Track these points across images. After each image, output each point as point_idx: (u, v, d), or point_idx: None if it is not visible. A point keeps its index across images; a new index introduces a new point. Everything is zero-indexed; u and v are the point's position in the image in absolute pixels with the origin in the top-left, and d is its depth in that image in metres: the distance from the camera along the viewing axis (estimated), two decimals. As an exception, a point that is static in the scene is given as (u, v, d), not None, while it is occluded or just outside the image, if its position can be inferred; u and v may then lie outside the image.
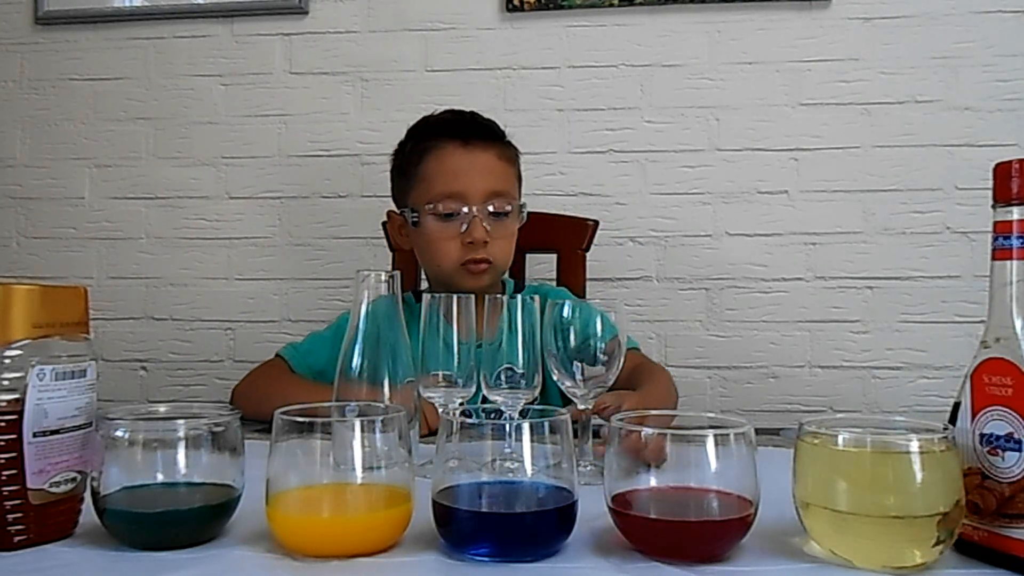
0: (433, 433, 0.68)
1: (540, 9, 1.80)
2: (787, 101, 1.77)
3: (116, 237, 1.92)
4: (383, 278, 0.83)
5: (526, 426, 0.62)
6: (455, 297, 0.88)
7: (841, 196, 1.75)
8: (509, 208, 1.27)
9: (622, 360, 0.87)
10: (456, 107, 1.37)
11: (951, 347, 1.71)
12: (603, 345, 0.86)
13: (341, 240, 1.86)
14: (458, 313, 0.87)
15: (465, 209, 1.23)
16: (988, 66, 1.72)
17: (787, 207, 1.77)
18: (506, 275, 1.40)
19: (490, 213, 1.25)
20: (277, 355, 1.32)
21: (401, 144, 1.37)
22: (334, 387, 0.82)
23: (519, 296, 0.87)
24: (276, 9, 1.87)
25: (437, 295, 0.88)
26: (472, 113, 1.35)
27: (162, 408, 0.71)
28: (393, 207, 1.40)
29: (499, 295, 0.89)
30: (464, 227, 1.23)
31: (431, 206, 1.25)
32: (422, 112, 1.82)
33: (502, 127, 1.35)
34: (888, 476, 0.59)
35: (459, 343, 0.86)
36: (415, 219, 1.28)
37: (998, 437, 0.60)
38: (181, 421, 0.66)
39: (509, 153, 1.32)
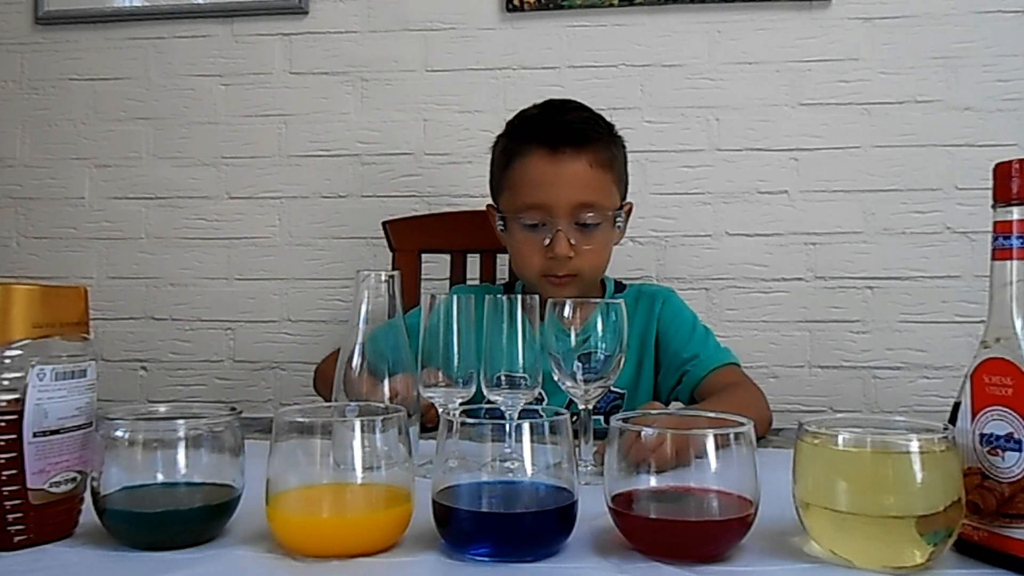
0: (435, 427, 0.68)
1: (540, 9, 1.80)
2: (787, 101, 1.77)
3: (116, 237, 1.92)
4: (383, 278, 0.83)
5: (526, 426, 0.62)
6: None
7: (841, 196, 1.75)
8: (599, 220, 1.20)
9: (622, 361, 0.87)
10: (549, 99, 1.30)
11: (951, 347, 1.71)
12: (604, 345, 0.86)
13: (341, 240, 1.86)
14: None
15: (550, 221, 1.18)
16: (988, 66, 1.72)
17: (787, 207, 1.77)
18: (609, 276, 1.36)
19: (577, 224, 1.19)
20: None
21: (497, 139, 1.31)
22: (334, 386, 0.82)
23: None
24: (276, 9, 1.87)
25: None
26: (567, 110, 1.27)
27: (162, 408, 0.71)
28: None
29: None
30: (547, 240, 1.18)
31: (517, 216, 1.21)
32: (422, 112, 1.84)
33: (607, 119, 1.28)
34: (888, 476, 0.59)
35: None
36: (501, 226, 1.25)
37: (998, 437, 0.60)
38: (181, 421, 0.66)
39: (605, 156, 1.23)
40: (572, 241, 1.18)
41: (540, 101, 1.31)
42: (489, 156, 1.33)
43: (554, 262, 1.19)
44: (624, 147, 1.30)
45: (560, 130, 1.21)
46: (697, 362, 1.23)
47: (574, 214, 1.19)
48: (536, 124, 1.25)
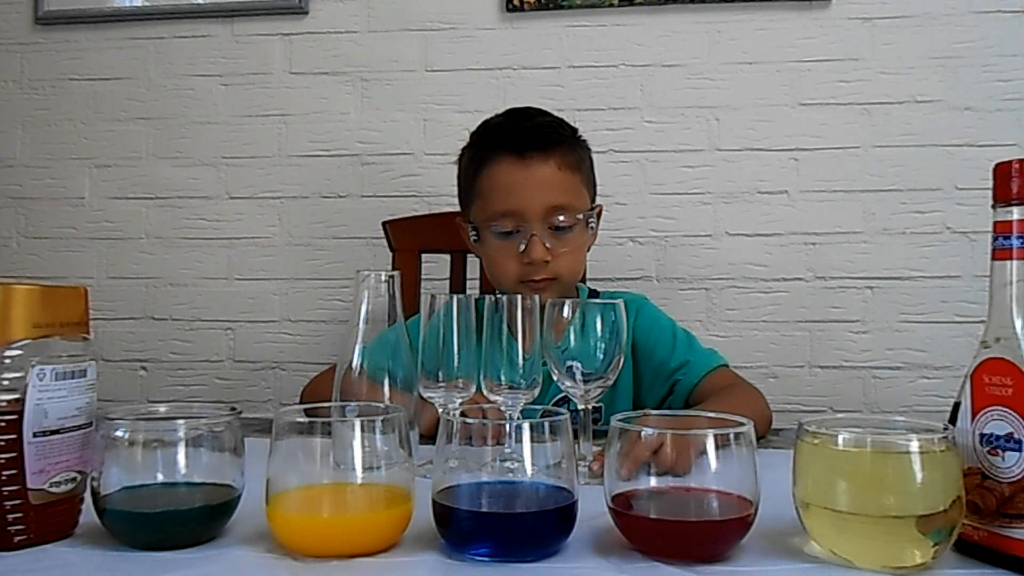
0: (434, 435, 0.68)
1: (540, 9, 1.80)
2: (787, 101, 1.77)
3: (116, 237, 1.92)
4: (383, 278, 0.83)
5: (526, 426, 0.62)
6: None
7: (841, 196, 1.76)
8: (572, 222, 1.19)
9: (621, 361, 0.87)
10: (510, 107, 1.30)
11: (951, 347, 1.71)
12: (603, 345, 0.86)
13: (341, 240, 1.86)
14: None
15: (523, 227, 1.17)
16: (988, 66, 1.72)
17: (787, 207, 1.77)
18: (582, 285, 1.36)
19: (551, 228, 1.18)
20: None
21: (463, 150, 1.30)
22: (334, 386, 0.82)
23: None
24: (276, 9, 1.87)
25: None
26: (530, 116, 1.27)
27: (162, 408, 0.71)
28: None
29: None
30: (523, 246, 1.17)
31: (489, 224, 1.20)
32: (422, 112, 1.84)
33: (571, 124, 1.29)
34: (888, 476, 0.59)
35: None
36: (475, 237, 1.23)
37: (998, 437, 0.60)
38: (181, 421, 0.66)
39: (572, 159, 1.22)
40: (547, 245, 1.17)
41: (521, 106, 1.32)
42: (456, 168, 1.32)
43: (531, 267, 1.17)
44: (589, 150, 1.30)
45: (526, 135, 1.21)
46: (688, 369, 1.22)
47: (547, 217, 1.18)
48: (501, 131, 1.24)
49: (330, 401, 0.81)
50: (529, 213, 1.18)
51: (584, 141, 1.30)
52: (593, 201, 1.28)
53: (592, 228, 1.25)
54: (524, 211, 1.18)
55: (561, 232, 1.19)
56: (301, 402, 1.25)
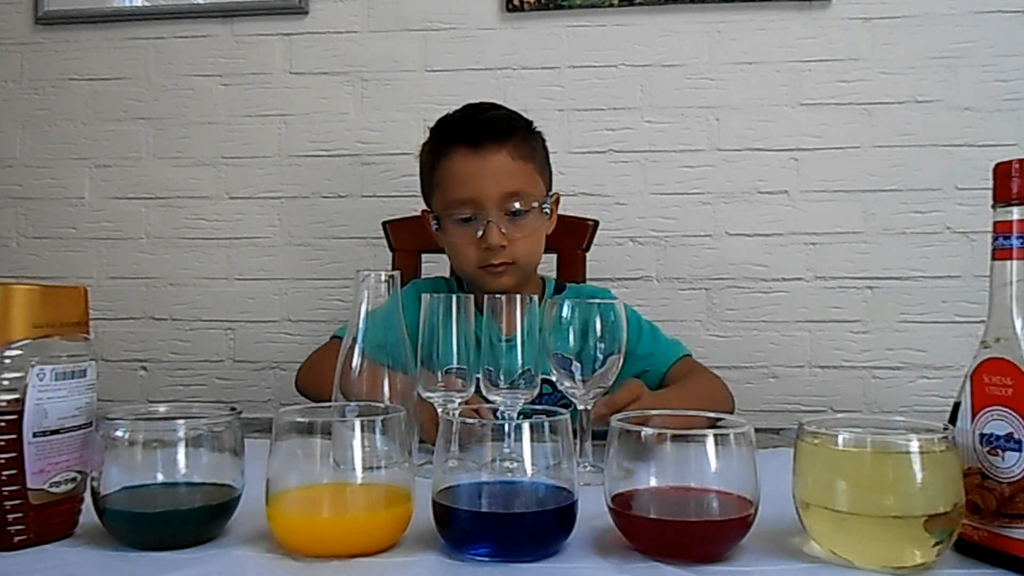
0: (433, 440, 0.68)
1: (540, 9, 1.80)
2: (787, 101, 1.77)
3: (116, 237, 1.92)
4: (383, 278, 0.83)
5: (526, 426, 0.62)
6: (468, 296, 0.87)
7: (841, 196, 1.76)
8: (527, 207, 1.24)
9: (620, 362, 0.87)
10: (467, 103, 1.34)
11: (951, 347, 1.71)
12: (602, 346, 0.86)
13: (341, 240, 1.86)
14: (457, 313, 0.86)
15: (481, 214, 1.22)
16: (988, 66, 1.72)
17: (787, 207, 1.77)
18: (550, 276, 1.39)
19: (507, 214, 1.23)
20: (333, 336, 1.31)
21: (422, 145, 1.35)
22: (334, 387, 0.82)
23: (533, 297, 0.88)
24: (276, 9, 1.87)
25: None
26: (484, 110, 1.32)
27: (162, 408, 0.71)
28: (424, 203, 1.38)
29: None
30: (480, 232, 1.22)
31: (448, 213, 1.25)
32: (422, 112, 1.84)
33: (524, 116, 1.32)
34: (888, 476, 0.59)
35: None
36: (436, 226, 1.28)
37: (998, 437, 0.60)
38: (181, 421, 0.66)
39: (525, 149, 1.28)
40: (503, 230, 1.21)
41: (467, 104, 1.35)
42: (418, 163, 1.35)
43: (489, 252, 1.22)
44: (544, 141, 1.34)
45: (480, 127, 1.27)
46: (653, 360, 1.25)
47: (502, 204, 1.23)
48: (457, 125, 1.30)
49: (330, 384, 0.82)
50: (485, 200, 1.22)
51: (539, 133, 1.34)
52: (549, 189, 1.32)
53: (547, 214, 1.29)
54: (480, 198, 1.22)
55: (517, 218, 1.24)
56: (300, 381, 1.27)
